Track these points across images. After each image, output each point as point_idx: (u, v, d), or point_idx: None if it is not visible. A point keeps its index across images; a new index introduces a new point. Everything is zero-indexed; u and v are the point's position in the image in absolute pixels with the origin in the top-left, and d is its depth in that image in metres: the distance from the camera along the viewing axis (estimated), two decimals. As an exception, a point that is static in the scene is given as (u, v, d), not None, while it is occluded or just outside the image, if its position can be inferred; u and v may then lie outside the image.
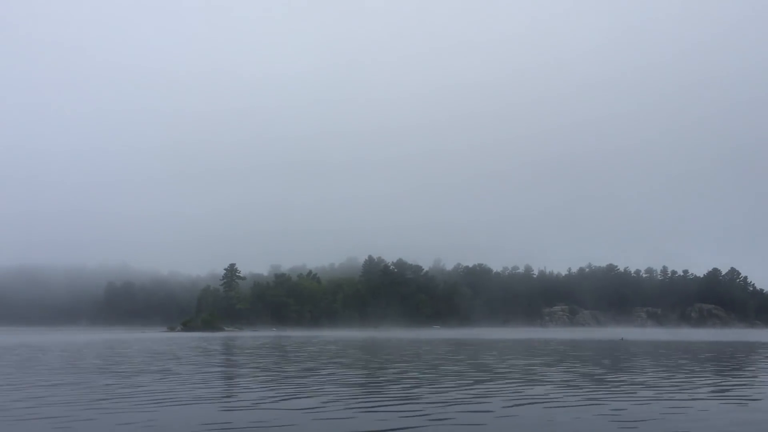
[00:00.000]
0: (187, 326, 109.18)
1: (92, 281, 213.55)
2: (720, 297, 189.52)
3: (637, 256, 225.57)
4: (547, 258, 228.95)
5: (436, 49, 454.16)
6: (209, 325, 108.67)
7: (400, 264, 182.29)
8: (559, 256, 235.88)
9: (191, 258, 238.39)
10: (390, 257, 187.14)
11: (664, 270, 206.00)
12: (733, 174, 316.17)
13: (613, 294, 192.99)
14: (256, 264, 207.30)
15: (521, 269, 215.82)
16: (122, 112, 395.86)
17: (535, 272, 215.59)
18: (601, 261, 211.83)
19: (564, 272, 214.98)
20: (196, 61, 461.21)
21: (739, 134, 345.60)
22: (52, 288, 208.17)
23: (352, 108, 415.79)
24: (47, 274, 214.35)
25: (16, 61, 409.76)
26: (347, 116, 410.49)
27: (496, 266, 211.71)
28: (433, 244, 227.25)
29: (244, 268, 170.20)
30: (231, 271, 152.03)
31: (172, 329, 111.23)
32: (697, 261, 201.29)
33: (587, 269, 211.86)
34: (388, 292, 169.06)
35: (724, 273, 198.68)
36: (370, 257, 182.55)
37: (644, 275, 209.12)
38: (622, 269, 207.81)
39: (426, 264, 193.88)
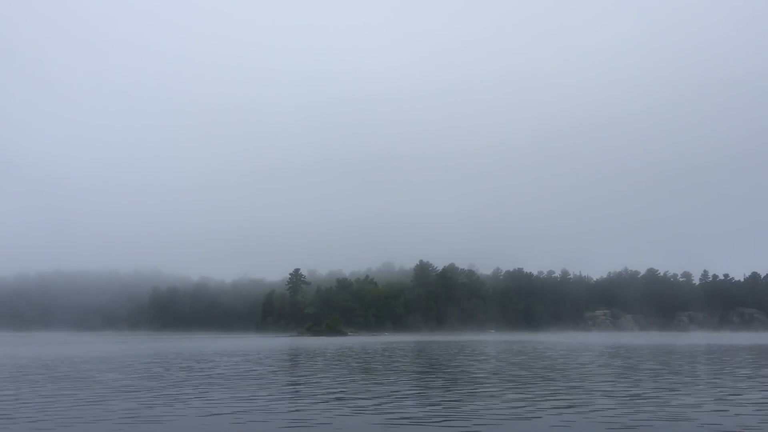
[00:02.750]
0: (311, 330, 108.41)
1: (128, 286, 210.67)
2: (760, 301, 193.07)
3: (674, 260, 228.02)
4: (583, 262, 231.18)
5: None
6: (332, 329, 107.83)
7: (452, 269, 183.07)
8: (595, 260, 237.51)
9: (215, 263, 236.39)
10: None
11: (704, 274, 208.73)
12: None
13: (654, 298, 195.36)
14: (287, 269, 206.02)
15: (557, 273, 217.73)
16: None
17: (571, 276, 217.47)
18: (637, 266, 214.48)
19: (597, 277, 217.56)
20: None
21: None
22: (89, 293, 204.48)
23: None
24: (83, 280, 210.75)
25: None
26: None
27: (532, 270, 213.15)
28: (466, 249, 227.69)
29: (280, 274, 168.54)
30: (296, 275, 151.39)
31: (301, 334, 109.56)
32: (736, 265, 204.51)
33: (624, 273, 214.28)
34: (443, 296, 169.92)
35: (762, 277, 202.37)
36: (421, 261, 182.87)
37: (681, 279, 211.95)
38: (661, 273, 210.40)
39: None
